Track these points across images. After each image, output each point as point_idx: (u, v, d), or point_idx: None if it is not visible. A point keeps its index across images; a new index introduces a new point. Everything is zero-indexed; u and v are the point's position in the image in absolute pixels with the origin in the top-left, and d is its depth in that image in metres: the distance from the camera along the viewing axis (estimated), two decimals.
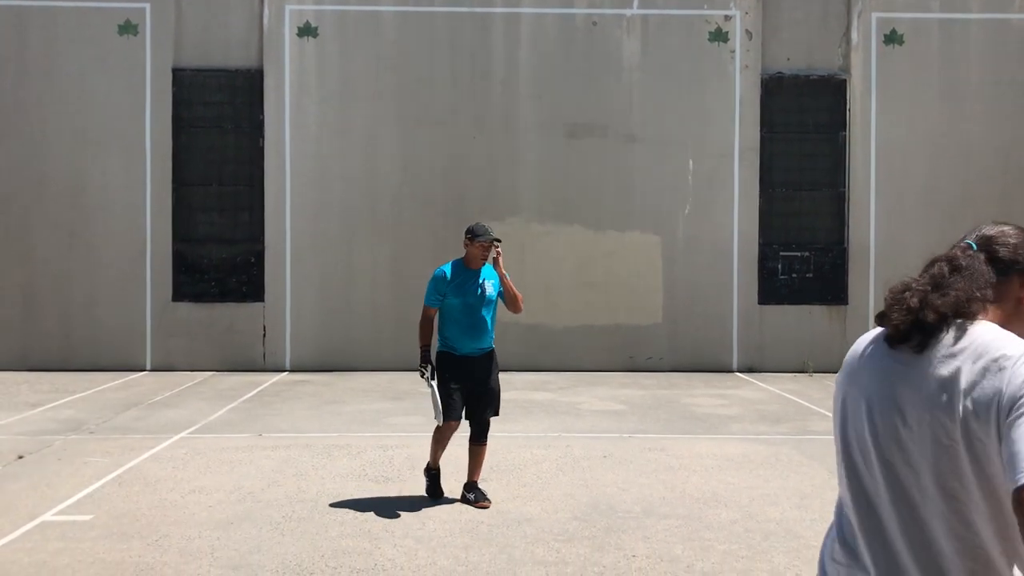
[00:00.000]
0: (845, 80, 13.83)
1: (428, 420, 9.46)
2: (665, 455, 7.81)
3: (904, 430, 1.72)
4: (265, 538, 5.47)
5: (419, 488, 6.66)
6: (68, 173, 13.35)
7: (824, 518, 5.95)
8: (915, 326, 1.73)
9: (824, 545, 1.94)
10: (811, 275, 13.90)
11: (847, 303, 13.76)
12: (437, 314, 6.32)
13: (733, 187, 13.69)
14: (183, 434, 8.62)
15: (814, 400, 10.94)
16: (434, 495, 6.39)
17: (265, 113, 13.49)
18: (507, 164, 13.61)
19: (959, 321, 1.73)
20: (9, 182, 13.32)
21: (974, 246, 1.85)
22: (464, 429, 6.43)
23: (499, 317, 13.44)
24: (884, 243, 13.75)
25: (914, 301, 1.75)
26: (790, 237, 13.91)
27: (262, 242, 13.54)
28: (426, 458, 7.63)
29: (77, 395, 10.97)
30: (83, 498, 6.35)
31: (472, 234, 6.26)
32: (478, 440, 6.38)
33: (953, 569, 1.66)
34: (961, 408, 1.64)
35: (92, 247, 13.38)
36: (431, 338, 6.30)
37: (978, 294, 1.75)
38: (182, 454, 7.75)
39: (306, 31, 13.51)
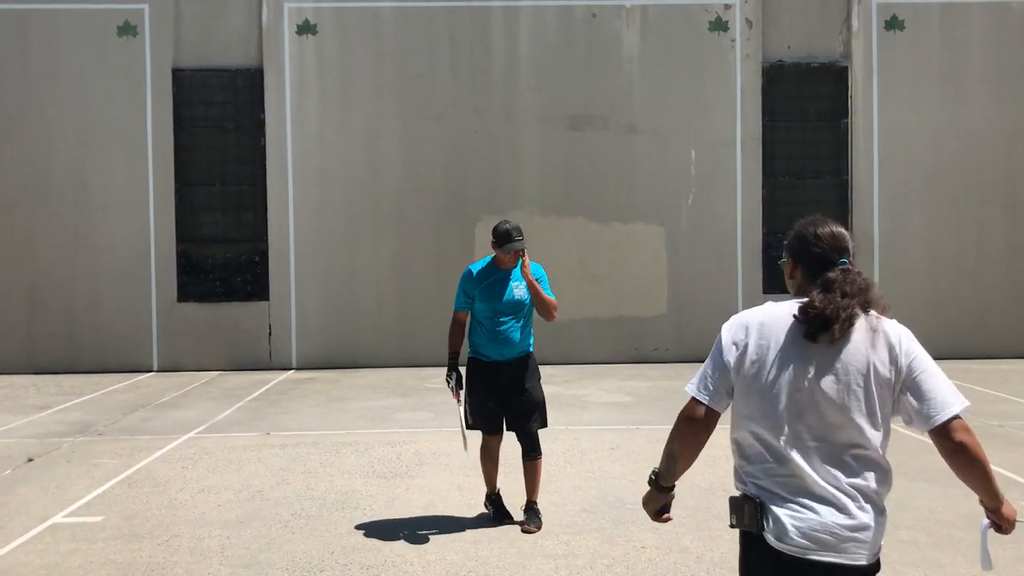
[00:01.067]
0: (846, 67, 13.79)
1: (436, 415, 9.47)
2: None
3: (843, 385, 2.46)
4: (275, 536, 5.49)
5: (428, 483, 6.67)
6: (71, 175, 13.37)
7: None
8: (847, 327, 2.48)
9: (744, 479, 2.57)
10: None
11: None
12: (469, 317, 5.74)
13: (736, 177, 13.67)
14: (191, 434, 8.64)
15: None
16: (501, 519, 5.70)
17: (266, 112, 13.49)
18: (509, 157, 13.60)
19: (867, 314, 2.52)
20: (12, 185, 13.34)
21: (846, 262, 2.56)
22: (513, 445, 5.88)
23: None
24: (888, 230, 13.72)
25: (846, 318, 2.46)
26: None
27: (266, 241, 13.55)
28: (435, 453, 7.65)
29: (84, 397, 11.00)
30: (93, 499, 6.38)
31: (496, 240, 5.51)
32: (528, 455, 5.71)
33: (875, 467, 2.48)
34: (871, 366, 2.46)
35: (96, 248, 13.40)
36: (461, 344, 5.75)
37: (874, 297, 2.53)
38: (191, 454, 7.77)
39: (305, 28, 13.50)
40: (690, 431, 2.62)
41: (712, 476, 6.77)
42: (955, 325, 13.56)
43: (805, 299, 2.52)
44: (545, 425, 5.82)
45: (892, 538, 5.29)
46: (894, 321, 2.56)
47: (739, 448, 2.57)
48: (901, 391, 2.48)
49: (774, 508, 2.46)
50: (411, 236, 13.55)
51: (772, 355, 2.51)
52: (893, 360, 2.48)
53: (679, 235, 13.62)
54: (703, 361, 2.64)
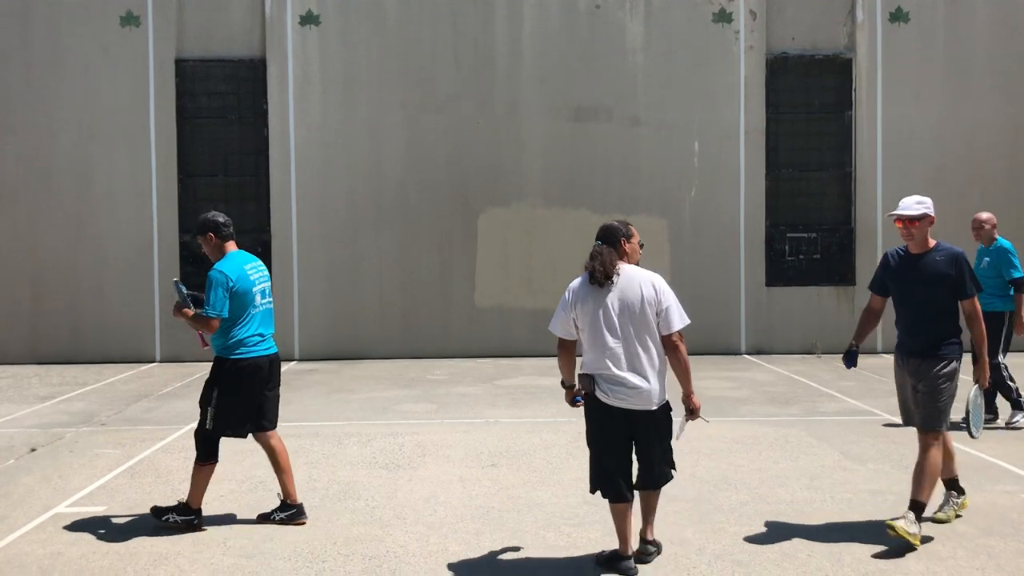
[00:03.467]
0: (851, 59, 13.74)
1: (438, 406, 9.49)
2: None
3: (626, 311, 4.56)
4: (277, 527, 5.50)
5: (430, 475, 6.68)
6: (74, 165, 13.37)
7: (835, 499, 5.96)
8: (606, 278, 4.57)
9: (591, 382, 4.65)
10: (818, 256, 13.86)
11: (855, 283, 13.71)
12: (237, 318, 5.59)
13: (739, 169, 13.64)
14: (194, 425, 8.64)
15: (823, 381, 10.92)
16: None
17: (269, 103, 13.48)
18: (512, 149, 13.58)
19: (617, 269, 4.59)
20: (16, 175, 13.35)
21: (601, 243, 4.68)
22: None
23: (501, 304, 13.50)
24: (891, 223, 13.66)
25: (600, 270, 4.56)
26: (797, 218, 13.86)
27: (268, 232, 13.55)
28: (437, 444, 7.66)
29: (88, 387, 11.02)
30: (96, 489, 6.39)
31: None
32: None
33: (657, 356, 4.59)
34: (644, 299, 4.56)
35: (99, 239, 13.41)
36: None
37: (616, 260, 4.61)
38: (193, 444, 7.77)
39: (308, 19, 13.47)
40: (562, 354, 4.79)
41: (715, 468, 6.78)
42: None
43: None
44: (199, 430, 5.62)
45: None
46: (648, 271, 4.69)
47: (582, 348, 4.68)
48: (659, 313, 4.59)
49: (600, 380, 4.60)
50: (414, 227, 13.54)
51: (586, 299, 4.64)
52: (656, 295, 4.60)
53: (682, 227, 13.60)
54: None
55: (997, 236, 8.62)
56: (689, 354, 4.71)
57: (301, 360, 13.37)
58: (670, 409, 4.70)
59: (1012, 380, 8.24)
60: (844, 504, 5.85)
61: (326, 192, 13.50)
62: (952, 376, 5.16)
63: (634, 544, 4.75)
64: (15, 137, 13.33)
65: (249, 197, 13.68)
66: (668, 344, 4.59)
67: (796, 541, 5.14)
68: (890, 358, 13.18)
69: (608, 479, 4.65)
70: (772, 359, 12.93)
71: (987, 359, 5.27)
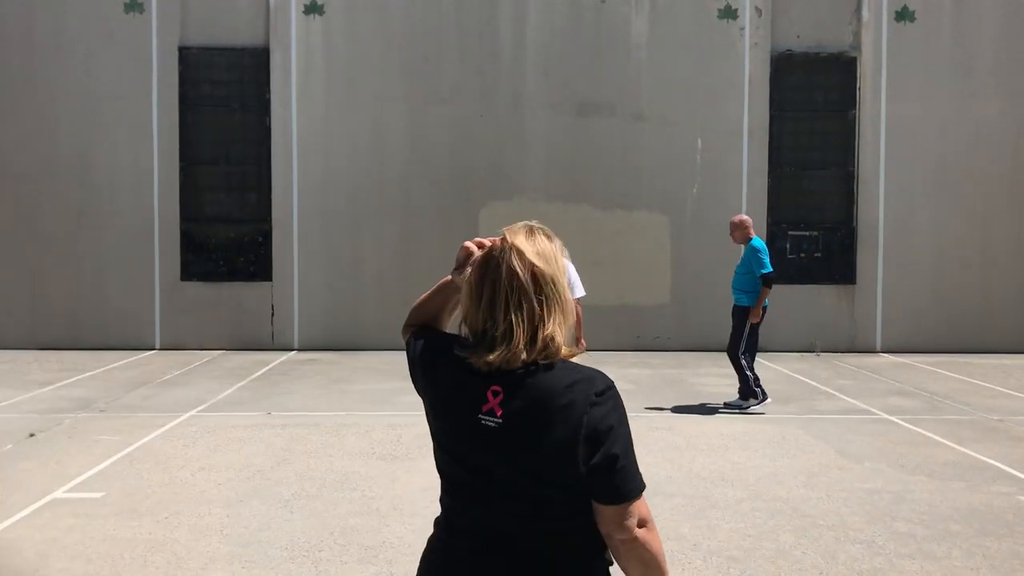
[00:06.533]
0: (855, 58, 13.72)
1: None
2: (672, 434, 7.82)
3: None
4: (274, 516, 5.52)
5: (428, 466, 6.69)
6: (76, 152, 13.36)
7: (831, 497, 5.97)
8: None
9: None
10: (819, 254, 13.85)
11: (855, 283, 13.71)
12: None
13: (742, 166, 13.63)
14: (192, 412, 8.67)
15: (821, 380, 10.93)
16: None
17: (272, 92, 13.46)
18: (514, 142, 13.57)
19: None
20: (18, 161, 13.34)
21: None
22: None
23: None
24: (893, 222, 13.68)
25: None
26: (799, 216, 13.85)
27: (269, 221, 13.54)
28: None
29: (87, 374, 11.03)
30: (94, 476, 6.40)
31: None
32: None
33: None
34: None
35: (100, 226, 13.40)
36: None
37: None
38: (192, 432, 7.79)
39: (312, 8, 13.45)
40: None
41: (712, 465, 6.79)
42: (959, 319, 13.54)
43: None
44: None
45: (889, 530, 5.31)
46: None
47: None
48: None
49: None
50: (415, 219, 13.54)
51: None
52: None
53: (683, 224, 13.59)
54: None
55: (753, 235, 8.92)
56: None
57: (300, 350, 13.37)
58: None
59: (751, 374, 8.79)
60: (840, 502, 5.86)
61: (328, 182, 13.49)
62: None
63: None
64: (18, 122, 13.32)
65: (250, 186, 13.66)
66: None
67: (791, 538, 5.15)
68: (890, 358, 13.25)
69: None
70: (771, 356, 12.93)
71: None
